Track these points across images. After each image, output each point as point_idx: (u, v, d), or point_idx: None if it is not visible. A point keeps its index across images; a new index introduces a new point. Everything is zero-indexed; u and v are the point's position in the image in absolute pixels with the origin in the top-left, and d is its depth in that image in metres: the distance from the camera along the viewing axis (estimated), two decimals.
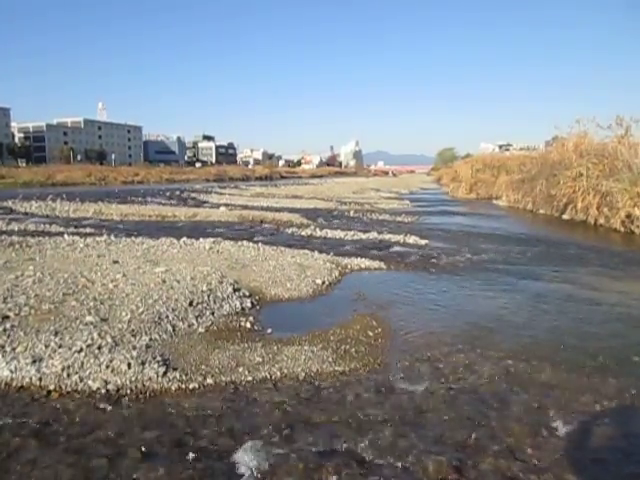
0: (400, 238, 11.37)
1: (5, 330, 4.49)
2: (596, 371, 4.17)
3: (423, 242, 11.01)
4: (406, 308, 6.01)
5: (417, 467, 2.82)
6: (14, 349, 4.14)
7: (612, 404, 3.61)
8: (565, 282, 7.51)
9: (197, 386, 3.82)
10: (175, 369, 4.01)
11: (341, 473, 2.75)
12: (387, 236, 11.74)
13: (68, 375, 3.83)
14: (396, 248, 10.29)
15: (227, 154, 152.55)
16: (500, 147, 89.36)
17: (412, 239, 11.27)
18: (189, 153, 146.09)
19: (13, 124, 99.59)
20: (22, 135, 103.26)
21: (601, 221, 14.96)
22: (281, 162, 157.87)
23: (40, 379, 3.81)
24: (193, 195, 28.75)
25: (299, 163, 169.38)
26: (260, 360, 4.29)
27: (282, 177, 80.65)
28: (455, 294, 6.70)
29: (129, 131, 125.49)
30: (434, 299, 6.43)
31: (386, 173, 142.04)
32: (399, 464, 2.84)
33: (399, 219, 16.39)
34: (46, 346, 4.18)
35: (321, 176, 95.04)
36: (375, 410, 3.48)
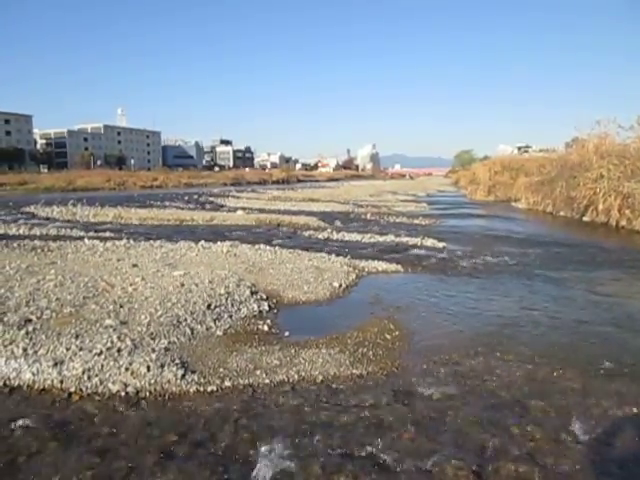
0: (417, 241, 11.32)
1: (27, 333, 4.56)
2: (619, 376, 4.11)
3: (441, 245, 10.95)
4: (423, 311, 5.98)
5: (436, 471, 2.80)
6: (36, 352, 4.20)
7: (635, 409, 3.55)
8: (586, 285, 7.40)
9: (215, 389, 3.84)
10: (193, 372, 4.04)
11: (359, 476, 2.74)
12: (404, 239, 11.69)
13: (88, 378, 3.88)
14: (413, 251, 10.25)
15: (244, 158, 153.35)
16: (519, 149, 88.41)
17: (429, 242, 11.21)
18: (207, 157, 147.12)
19: (35, 131, 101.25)
20: (44, 141, 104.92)
21: (623, 223, 14.74)
22: (298, 165, 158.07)
23: (61, 381, 3.86)
24: (211, 199, 28.94)
25: (316, 166, 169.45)
26: (278, 363, 4.30)
27: (299, 180, 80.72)
28: (473, 297, 6.64)
29: (148, 136, 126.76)
30: (452, 302, 6.39)
31: (403, 176, 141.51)
32: (418, 468, 2.82)
33: (416, 222, 16.31)
34: (67, 349, 4.24)
35: (338, 179, 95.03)
36: (393, 413, 3.47)
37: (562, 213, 18.85)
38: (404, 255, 9.75)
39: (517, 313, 5.91)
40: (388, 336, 5.00)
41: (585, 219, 16.75)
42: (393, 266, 8.49)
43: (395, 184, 64.08)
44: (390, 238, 11.82)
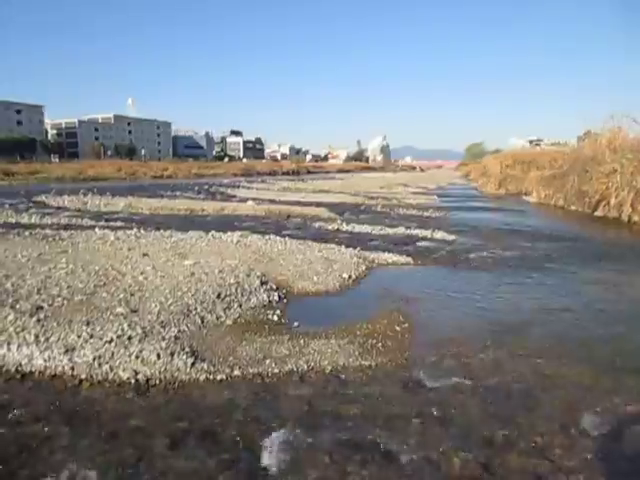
0: (428, 233, 11.28)
1: (39, 320, 4.61)
2: (629, 372, 4.07)
3: (451, 237, 10.91)
4: (433, 303, 5.97)
5: (443, 463, 2.80)
6: (47, 339, 4.24)
7: None
8: (597, 280, 7.35)
9: (225, 377, 3.86)
10: (203, 360, 4.06)
11: (366, 466, 2.75)
12: (414, 231, 11.66)
13: (99, 365, 3.91)
14: (423, 243, 10.22)
15: (255, 149, 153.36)
16: (530, 142, 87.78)
17: (440, 234, 11.17)
18: (217, 148, 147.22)
19: (46, 121, 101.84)
20: (55, 131, 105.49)
21: (635, 218, 14.59)
22: (308, 157, 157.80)
23: (72, 368, 3.90)
24: (221, 189, 28.98)
25: (326, 158, 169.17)
26: (287, 353, 4.31)
27: (309, 172, 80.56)
28: (483, 290, 6.62)
29: (158, 126, 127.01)
30: (462, 295, 6.37)
31: (413, 168, 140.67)
32: (425, 459, 2.82)
33: (427, 214, 16.25)
34: (78, 336, 4.28)
35: (348, 171, 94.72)
36: (401, 405, 3.47)
37: (573, 207, 18.68)
38: (414, 247, 9.73)
39: (527, 307, 5.88)
40: (397, 328, 5.00)
41: (597, 214, 16.58)
42: (403, 258, 8.47)
43: (405, 176, 63.82)
44: (400, 230, 11.80)
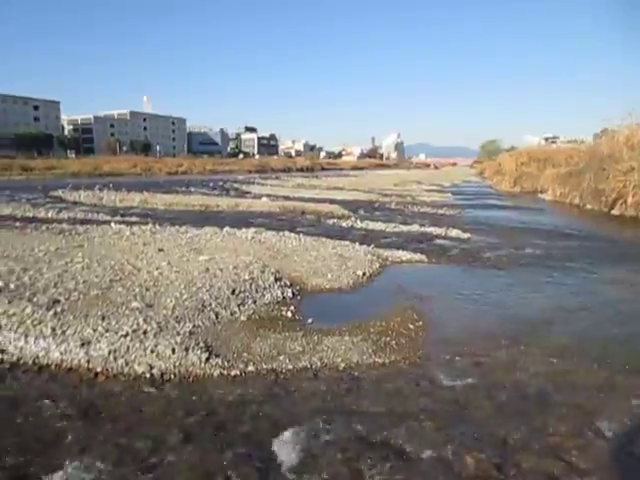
0: (442, 231, 11.23)
1: (56, 314, 4.66)
2: None
3: (465, 236, 10.84)
4: (447, 302, 5.94)
5: (456, 462, 2.79)
6: (64, 332, 4.29)
7: None
8: (614, 280, 7.26)
9: (239, 373, 3.88)
10: (218, 356, 4.08)
11: (379, 463, 2.75)
12: (429, 229, 11.62)
13: (115, 358, 3.95)
14: (438, 241, 10.17)
15: (269, 145, 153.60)
16: (546, 140, 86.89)
17: (454, 232, 11.11)
18: (232, 144, 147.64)
19: (63, 117, 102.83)
20: (71, 127, 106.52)
21: None
22: (322, 154, 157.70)
23: (88, 361, 3.94)
24: (236, 186, 29.09)
25: (340, 155, 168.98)
26: (301, 349, 4.32)
27: (323, 169, 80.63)
28: (498, 289, 6.57)
29: (173, 123, 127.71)
30: (476, 293, 6.33)
31: (428, 165, 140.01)
32: (438, 458, 2.82)
33: (441, 212, 16.17)
34: (94, 330, 4.32)
35: (362, 168, 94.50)
36: (414, 403, 3.46)
37: (589, 206, 18.46)
38: (428, 245, 9.69)
39: (543, 307, 5.83)
40: (411, 326, 4.99)
41: (613, 212, 16.38)
42: (417, 256, 8.44)
43: (420, 174, 63.53)
44: (414, 228, 11.76)
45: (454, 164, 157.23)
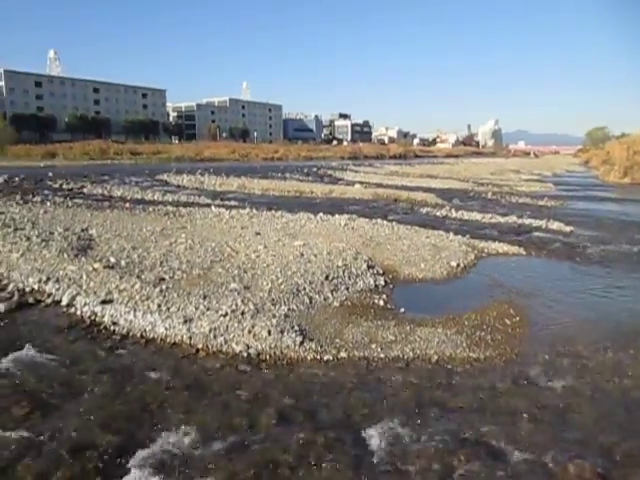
0: (542, 223, 10.70)
1: (161, 291, 4.95)
2: None
3: (568, 229, 10.25)
4: (547, 298, 5.66)
5: (555, 467, 2.65)
6: (169, 309, 4.56)
7: None
8: None
9: (331, 358, 3.93)
10: (311, 340, 4.16)
11: (472, 461, 2.68)
12: (527, 221, 11.11)
13: (214, 336, 4.14)
14: (537, 234, 9.70)
15: (362, 132, 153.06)
16: None
17: (555, 225, 10.55)
18: (325, 131, 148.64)
19: (168, 104, 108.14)
20: (175, 114, 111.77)
21: None
22: (415, 141, 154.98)
23: (190, 338, 4.16)
24: (329, 172, 29.30)
25: (434, 142, 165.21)
26: (393, 339, 4.30)
27: (416, 156, 79.30)
28: (603, 288, 6.16)
29: (270, 110, 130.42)
30: (578, 291, 5.98)
31: (527, 154, 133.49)
32: (535, 462, 2.69)
33: (541, 203, 15.38)
34: (196, 308, 4.55)
35: (457, 156, 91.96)
36: (511, 402, 3.34)
37: None
38: (527, 238, 9.27)
39: None
40: (508, 321, 4.81)
41: None
42: (515, 248, 8.11)
43: (518, 162, 60.78)
44: (512, 219, 11.29)
45: (556, 152, 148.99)
